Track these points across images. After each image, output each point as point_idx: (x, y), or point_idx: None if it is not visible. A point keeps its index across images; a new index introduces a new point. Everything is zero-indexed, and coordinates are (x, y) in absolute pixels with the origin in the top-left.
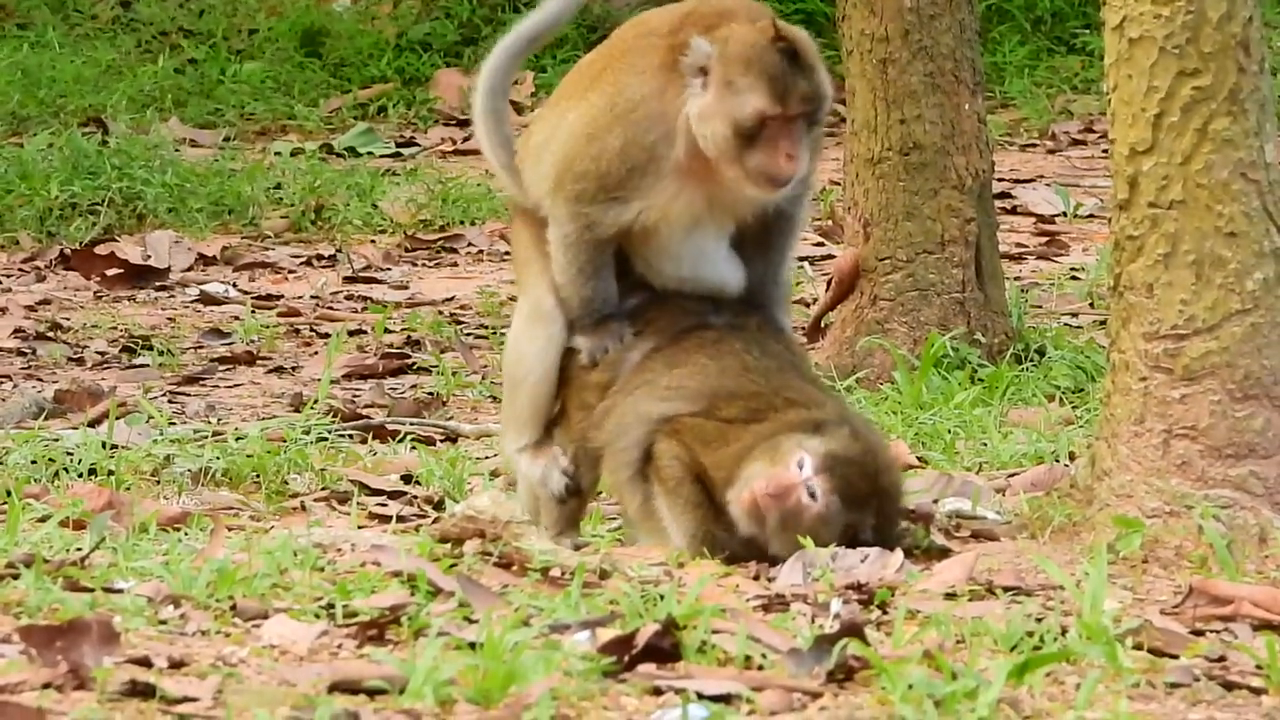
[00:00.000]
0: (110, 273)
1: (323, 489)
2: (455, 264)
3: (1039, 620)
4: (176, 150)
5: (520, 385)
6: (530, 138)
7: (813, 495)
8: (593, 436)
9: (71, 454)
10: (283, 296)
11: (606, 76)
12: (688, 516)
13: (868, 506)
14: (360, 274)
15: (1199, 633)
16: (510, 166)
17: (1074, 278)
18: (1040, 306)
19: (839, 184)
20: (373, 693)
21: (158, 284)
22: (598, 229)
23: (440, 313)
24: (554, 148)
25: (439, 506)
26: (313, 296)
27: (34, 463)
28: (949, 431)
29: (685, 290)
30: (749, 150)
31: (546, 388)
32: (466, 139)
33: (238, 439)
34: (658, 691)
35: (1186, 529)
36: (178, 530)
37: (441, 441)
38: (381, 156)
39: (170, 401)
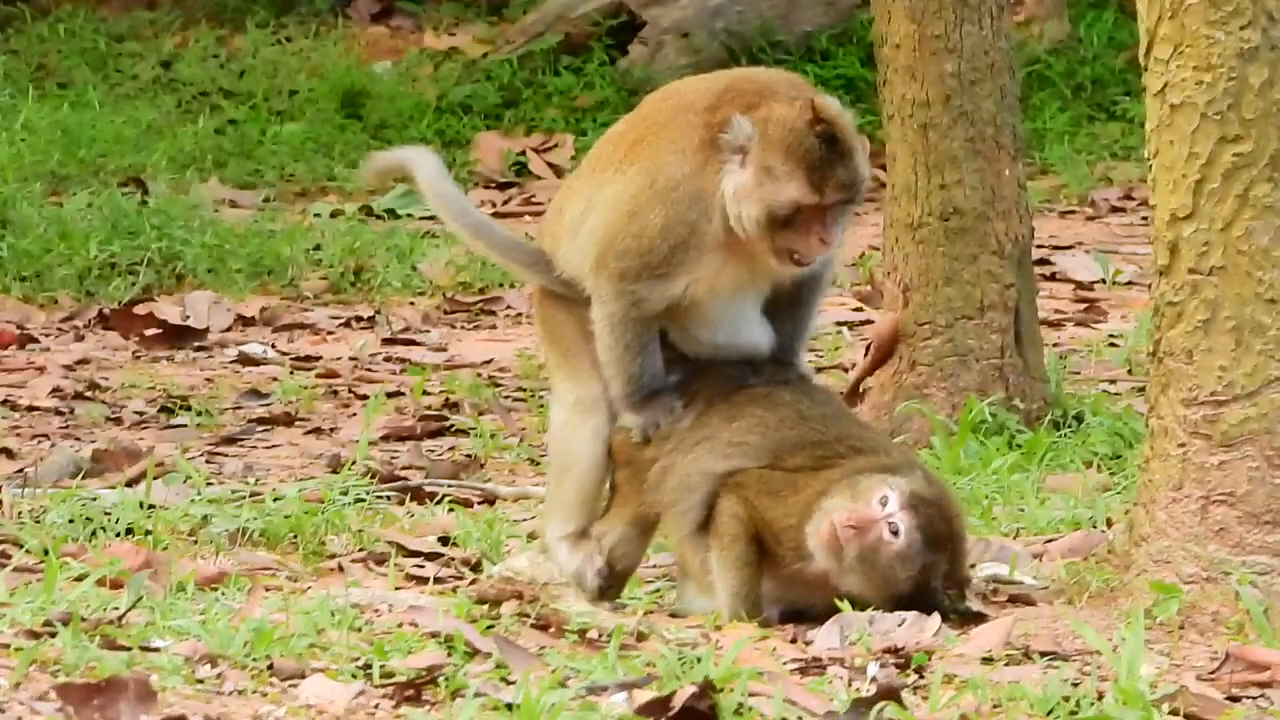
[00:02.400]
0: (149, 333)
1: (360, 550)
2: (494, 326)
3: (1075, 685)
4: (216, 210)
5: (568, 474)
6: (563, 211)
7: (895, 532)
8: (651, 499)
9: (109, 513)
10: (321, 358)
11: (644, 151)
12: (735, 573)
13: (944, 549)
14: (399, 336)
15: (1235, 698)
16: (530, 263)
17: (1112, 344)
18: (1079, 373)
19: (878, 249)
20: None
21: (196, 344)
22: (645, 305)
23: (479, 375)
24: (593, 223)
25: (476, 568)
26: (351, 358)
27: (71, 522)
28: (987, 497)
29: (720, 356)
30: (781, 231)
31: (596, 476)
32: (506, 201)
33: (275, 499)
34: None
35: (1224, 595)
36: (215, 590)
37: (479, 503)
38: (421, 218)
39: (208, 462)
